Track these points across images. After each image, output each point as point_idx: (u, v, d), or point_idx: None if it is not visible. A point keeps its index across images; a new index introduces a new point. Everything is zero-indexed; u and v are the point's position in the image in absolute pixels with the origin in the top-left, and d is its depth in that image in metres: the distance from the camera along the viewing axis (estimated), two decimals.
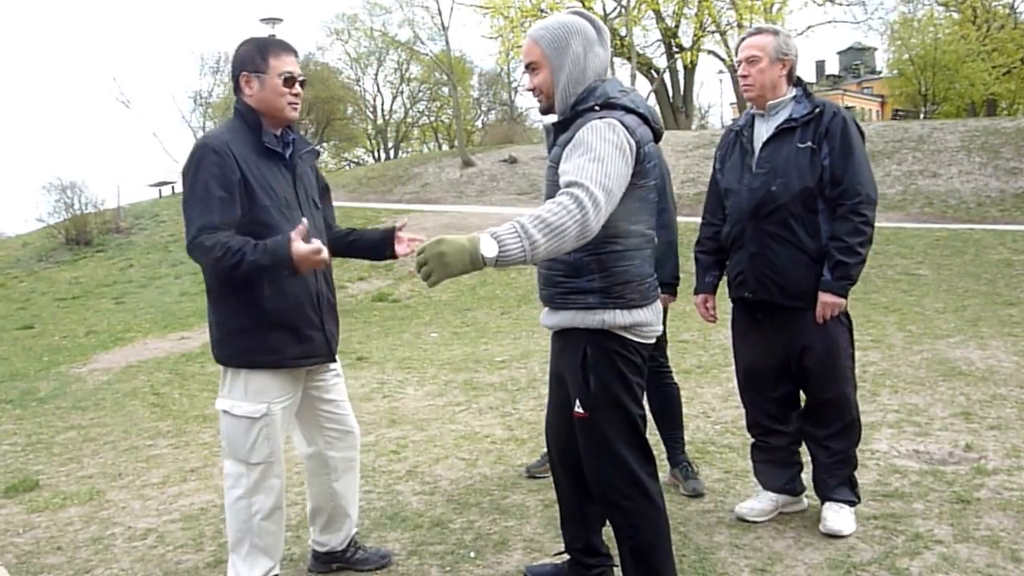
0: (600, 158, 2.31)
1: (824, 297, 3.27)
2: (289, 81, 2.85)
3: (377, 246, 3.24)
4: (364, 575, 3.25)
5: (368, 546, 3.38)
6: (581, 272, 2.51)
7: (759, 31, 3.40)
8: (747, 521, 3.51)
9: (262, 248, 2.65)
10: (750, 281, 3.42)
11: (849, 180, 3.24)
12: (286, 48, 2.91)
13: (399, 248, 3.19)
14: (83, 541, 3.72)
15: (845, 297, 3.28)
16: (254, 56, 2.85)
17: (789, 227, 3.31)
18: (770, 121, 3.40)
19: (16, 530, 3.91)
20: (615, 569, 2.91)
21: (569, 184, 2.25)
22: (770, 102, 3.38)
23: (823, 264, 3.28)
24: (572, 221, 2.16)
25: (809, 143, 3.28)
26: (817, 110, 3.30)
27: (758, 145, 3.42)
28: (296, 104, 2.91)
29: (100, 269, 17.14)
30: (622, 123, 2.40)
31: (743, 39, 3.44)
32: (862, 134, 3.35)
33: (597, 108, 2.45)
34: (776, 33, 3.37)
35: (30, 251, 19.78)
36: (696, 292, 3.76)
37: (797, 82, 3.41)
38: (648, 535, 2.58)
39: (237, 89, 2.90)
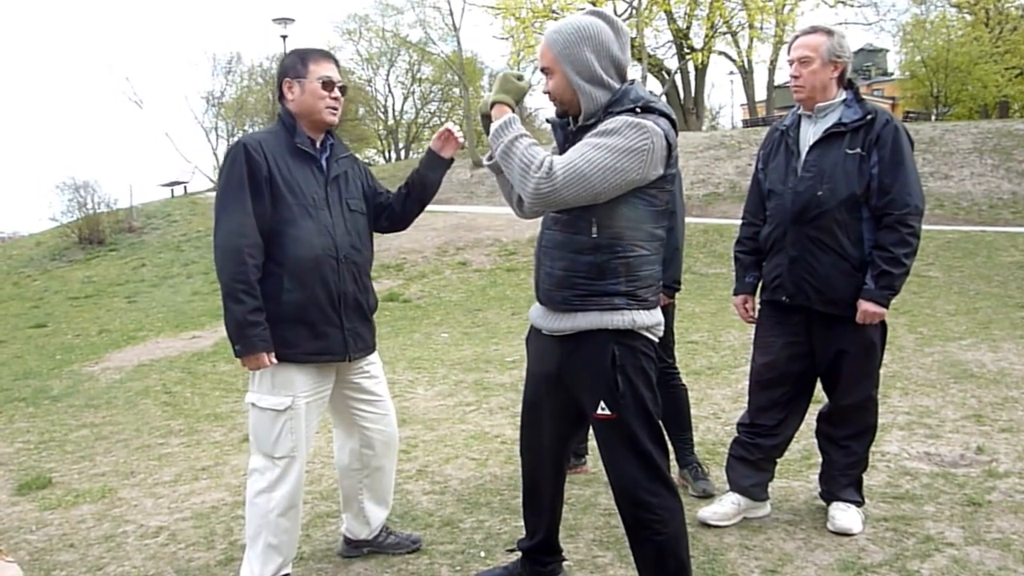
0: (597, 144, 2.38)
1: (865, 306, 3.23)
2: (327, 85, 2.97)
3: (431, 175, 3.34)
4: (358, 559, 3.34)
5: (398, 531, 3.47)
6: (606, 275, 2.51)
7: (814, 30, 3.31)
8: (709, 525, 3.48)
9: (253, 324, 2.78)
10: (788, 285, 3.38)
11: (898, 190, 3.18)
12: (326, 55, 3.05)
13: (447, 153, 3.32)
14: (95, 538, 3.75)
15: (887, 307, 3.25)
16: (295, 63, 2.99)
17: (832, 233, 3.26)
18: (818, 124, 3.34)
19: (29, 527, 3.93)
20: (564, 564, 3.07)
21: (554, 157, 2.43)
22: (819, 104, 3.32)
23: (864, 272, 3.25)
24: (522, 171, 2.41)
25: (858, 149, 3.23)
26: (868, 116, 3.24)
27: (804, 147, 3.36)
28: (335, 109, 3.02)
29: (113, 268, 17.21)
30: (658, 126, 2.42)
31: (796, 38, 3.36)
32: (911, 143, 3.29)
33: (638, 111, 2.44)
34: (830, 33, 3.29)
35: (43, 250, 19.88)
36: (735, 292, 3.72)
37: (848, 85, 3.35)
38: (675, 528, 2.61)
39: (281, 96, 3.03)
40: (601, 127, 2.42)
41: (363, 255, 3.12)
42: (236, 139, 2.98)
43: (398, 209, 3.33)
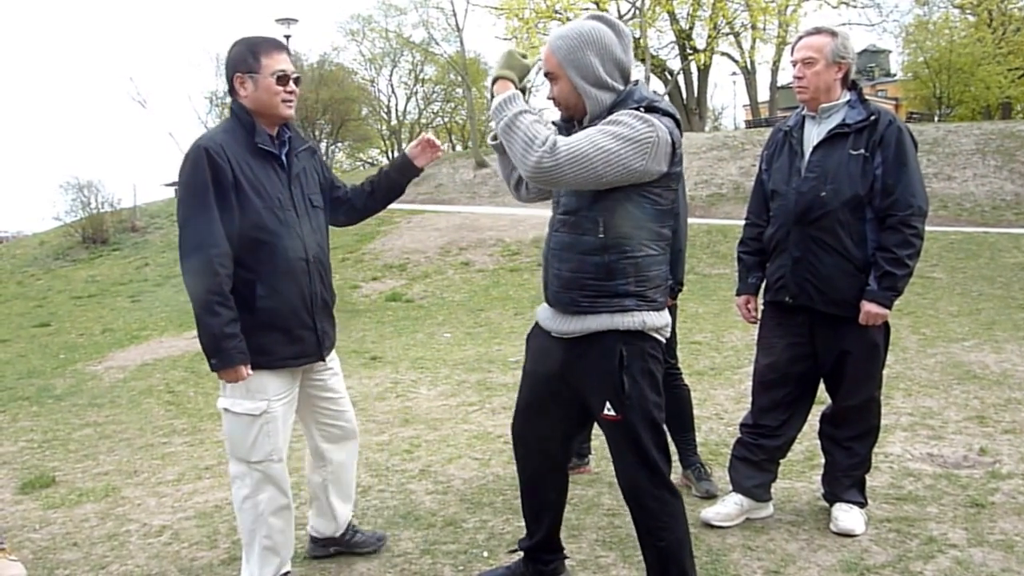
0: (602, 131, 2.38)
1: (868, 307, 3.23)
2: (283, 79, 2.85)
3: (400, 179, 3.27)
4: (361, 558, 3.32)
5: (364, 529, 3.46)
6: (615, 275, 2.51)
7: (817, 31, 3.31)
8: (712, 526, 3.48)
9: (230, 337, 2.70)
10: (791, 286, 3.38)
11: (901, 191, 3.18)
12: (278, 46, 2.90)
13: (421, 162, 3.24)
14: (99, 537, 3.75)
15: (889, 308, 3.24)
16: (246, 57, 2.84)
17: (836, 234, 3.26)
18: (822, 124, 3.34)
19: (32, 526, 3.94)
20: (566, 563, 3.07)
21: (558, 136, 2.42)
22: (823, 105, 3.32)
23: (866, 273, 3.24)
24: (525, 145, 2.37)
25: (862, 150, 3.23)
26: (872, 117, 3.24)
27: (808, 148, 3.36)
28: (291, 102, 2.90)
29: (116, 268, 17.24)
30: (663, 124, 2.42)
31: (800, 38, 3.35)
32: (915, 143, 3.28)
33: (642, 110, 2.44)
34: (834, 34, 3.28)
35: (47, 249, 19.93)
36: (738, 293, 3.72)
37: (852, 86, 3.35)
38: (677, 532, 2.61)
39: (232, 91, 2.89)
40: (607, 119, 2.44)
41: (326, 252, 3.08)
42: (195, 141, 2.82)
43: (359, 206, 3.27)
